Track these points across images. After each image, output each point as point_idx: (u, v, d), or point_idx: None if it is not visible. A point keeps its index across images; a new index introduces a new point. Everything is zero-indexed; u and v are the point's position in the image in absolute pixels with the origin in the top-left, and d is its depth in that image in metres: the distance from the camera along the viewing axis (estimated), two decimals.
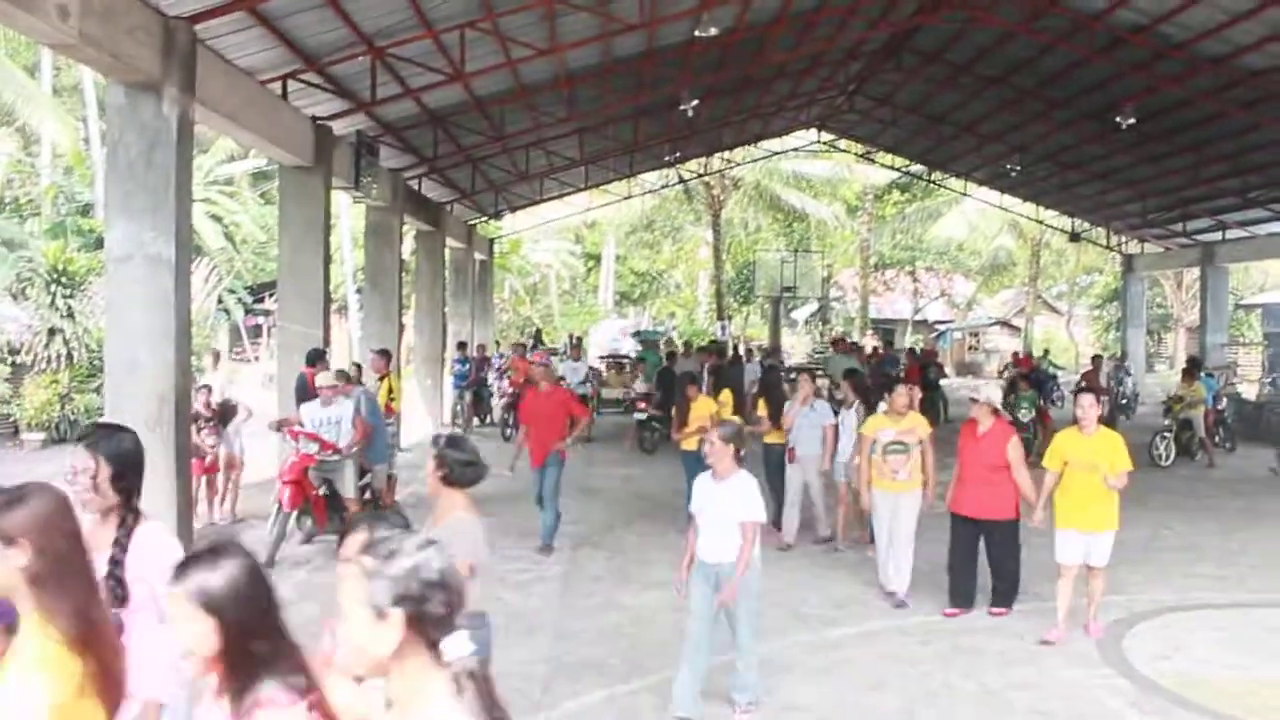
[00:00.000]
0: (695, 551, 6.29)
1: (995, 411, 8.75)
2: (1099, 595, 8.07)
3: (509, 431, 18.91)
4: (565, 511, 11.18)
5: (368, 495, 11.37)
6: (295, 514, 10.54)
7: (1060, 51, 17.76)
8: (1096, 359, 18.42)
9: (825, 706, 6.33)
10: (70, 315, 19.63)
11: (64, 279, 19.79)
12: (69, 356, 19.39)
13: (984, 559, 8.69)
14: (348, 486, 10.75)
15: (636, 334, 34.28)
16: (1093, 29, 16.33)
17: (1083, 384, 16.12)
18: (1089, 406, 8.03)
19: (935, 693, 6.79)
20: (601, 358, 30.66)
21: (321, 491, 10.68)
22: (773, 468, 11.43)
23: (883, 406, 9.50)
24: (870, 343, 36.84)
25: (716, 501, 6.20)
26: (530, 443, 10.88)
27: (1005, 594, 8.60)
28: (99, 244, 18.42)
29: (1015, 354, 30.97)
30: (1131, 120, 18.35)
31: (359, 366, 14.58)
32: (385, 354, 13.97)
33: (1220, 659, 7.48)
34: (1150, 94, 18.27)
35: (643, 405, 18.71)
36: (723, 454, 6.24)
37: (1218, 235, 27.80)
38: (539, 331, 28.67)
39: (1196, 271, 31.12)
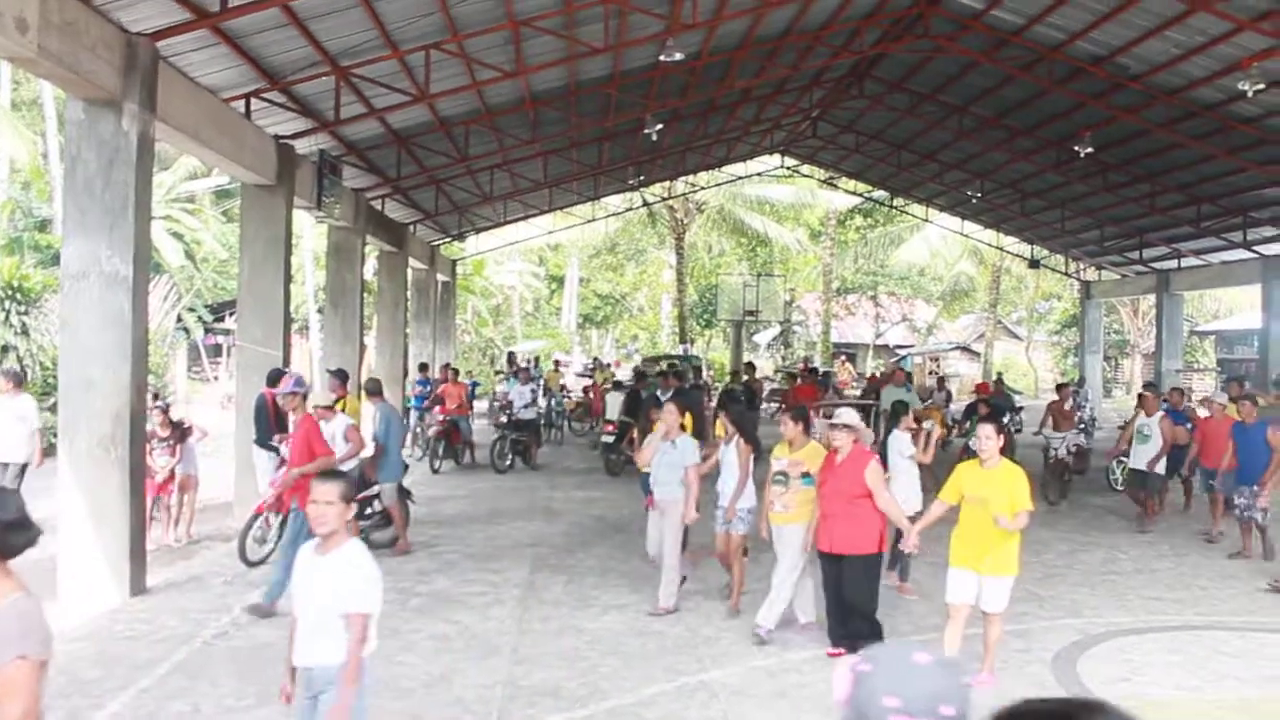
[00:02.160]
0: None
1: (855, 436, 7.98)
2: (994, 644, 7.41)
3: (438, 464, 18.50)
4: (523, 532, 11.13)
5: (368, 510, 11.41)
6: (278, 519, 10.61)
7: (1021, 81, 18.05)
8: (1062, 387, 18.14)
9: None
10: (25, 332, 19.38)
11: (19, 295, 19.53)
12: (23, 374, 19.10)
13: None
14: None
15: (669, 359, 32.26)
16: (1053, 59, 16.60)
17: (1046, 411, 16.41)
18: (986, 438, 7.39)
19: None
20: (589, 373, 30.47)
21: None
22: None
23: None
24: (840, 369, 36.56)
25: None
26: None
27: (853, 632, 7.62)
28: (56, 260, 18.17)
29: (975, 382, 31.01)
30: (1090, 149, 18.66)
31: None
32: (343, 375, 13.87)
33: (1176, 681, 7.53)
34: (1108, 124, 18.58)
35: (610, 429, 18.65)
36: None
37: (1173, 263, 28.24)
38: (512, 355, 28.51)
39: (1153, 298, 31.54)
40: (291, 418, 10.25)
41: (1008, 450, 18.04)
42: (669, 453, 9.38)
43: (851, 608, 7.81)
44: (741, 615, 8.94)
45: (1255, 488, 11.28)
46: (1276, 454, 11.13)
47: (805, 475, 8.26)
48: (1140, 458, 13.60)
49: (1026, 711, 1.88)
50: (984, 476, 7.30)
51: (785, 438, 8.56)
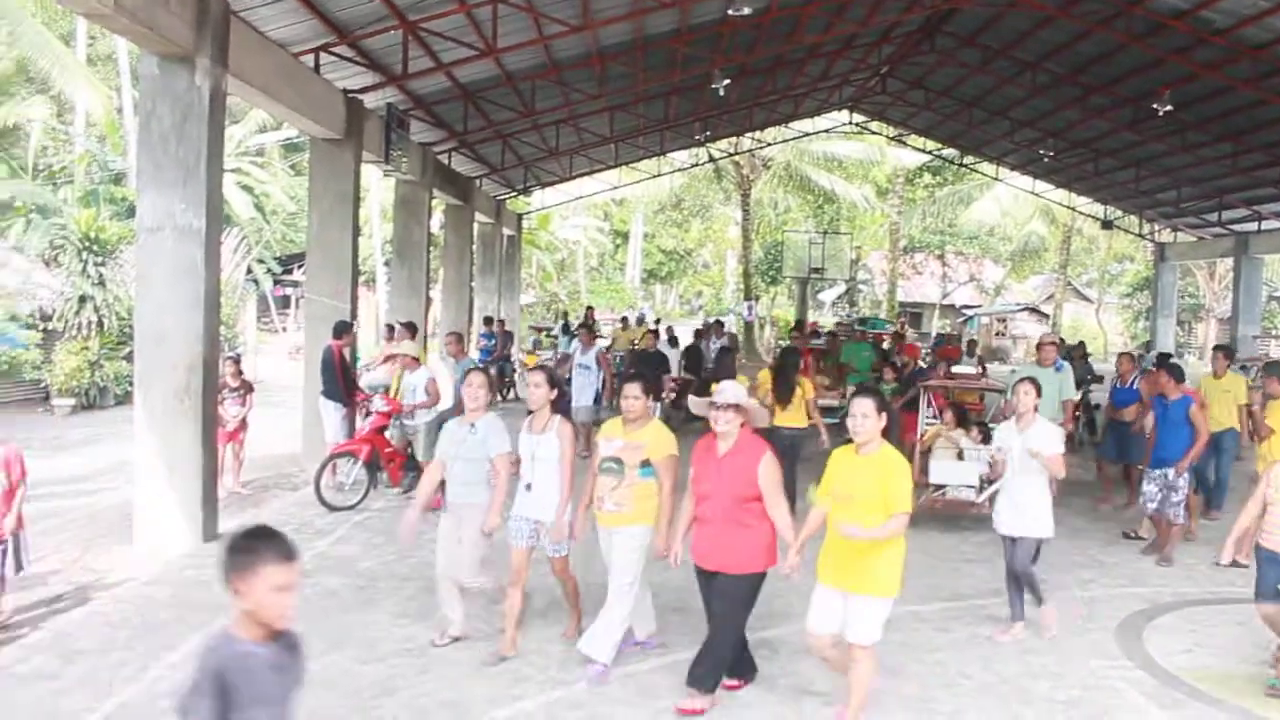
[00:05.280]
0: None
1: (745, 419, 6.17)
2: (859, 690, 5.83)
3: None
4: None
5: None
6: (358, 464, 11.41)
7: (1098, 37, 17.56)
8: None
9: (841, 692, 6.34)
10: (101, 283, 19.82)
11: (95, 247, 19.97)
12: (99, 324, 19.59)
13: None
14: (421, 449, 11.69)
15: (862, 321, 30.31)
16: (1132, 14, 16.14)
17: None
18: (864, 415, 5.67)
19: (952, 681, 6.78)
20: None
21: (404, 451, 11.93)
22: (779, 454, 10.55)
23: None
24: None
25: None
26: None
27: (707, 673, 6.08)
28: (131, 212, 18.52)
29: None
30: (1169, 107, 18.14)
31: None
32: (411, 327, 14.03)
33: (1241, 654, 7.43)
34: (1189, 81, 18.04)
35: (673, 384, 18.65)
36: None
37: (1253, 225, 27.52)
38: (590, 310, 28.53)
39: (1230, 261, 30.76)
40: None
41: (1090, 431, 16.07)
42: (467, 439, 6.98)
43: (711, 638, 6.14)
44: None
45: (1169, 473, 9.92)
46: (1200, 436, 9.99)
47: (645, 465, 6.48)
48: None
49: None
50: (856, 467, 5.75)
51: (626, 413, 6.62)
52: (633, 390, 6.60)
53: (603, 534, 6.71)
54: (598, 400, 14.74)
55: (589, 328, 15.59)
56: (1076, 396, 12.03)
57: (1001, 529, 7.72)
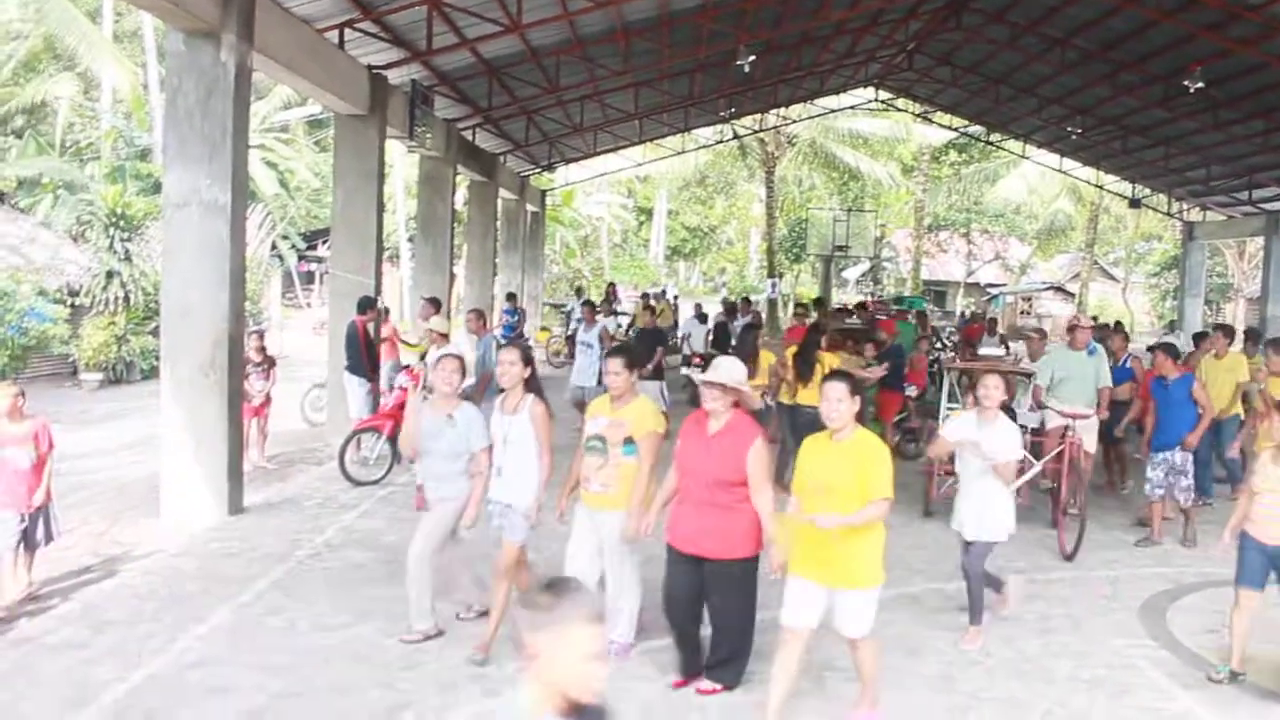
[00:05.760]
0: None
1: (737, 399, 5.91)
2: (869, 676, 5.73)
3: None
4: None
5: None
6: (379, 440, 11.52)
7: (1128, 12, 17.33)
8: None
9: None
10: (128, 258, 19.96)
11: (122, 222, 20.09)
12: (126, 299, 19.75)
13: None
14: None
15: (899, 300, 29.58)
16: None
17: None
18: (836, 399, 5.41)
19: (974, 659, 6.79)
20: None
21: None
22: (801, 431, 9.78)
23: None
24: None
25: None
26: None
27: (724, 664, 6.04)
28: (157, 188, 18.62)
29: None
30: (1200, 84, 17.86)
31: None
32: (435, 302, 14.06)
33: (1265, 635, 7.39)
34: (1221, 58, 17.78)
35: (698, 360, 18.67)
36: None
37: None
38: (612, 286, 28.56)
39: (1260, 241, 30.42)
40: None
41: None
42: (445, 432, 6.60)
43: (717, 630, 6.03)
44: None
45: (1173, 456, 9.69)
46: (1205, 414, 9.76)
47: (628, 442, 6.22)
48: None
49: None
50: (832, 454, 5.49)
51: (610, 390, 6.41)
52: (614, 365, 6.30)
53: (586, 515, 6.39)
54: (601, 381, 14.56)
55: (591, 305, 15.17)
56: (1112, 384, 10.74)
57: (961, 531, 7.09)
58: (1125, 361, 12.17)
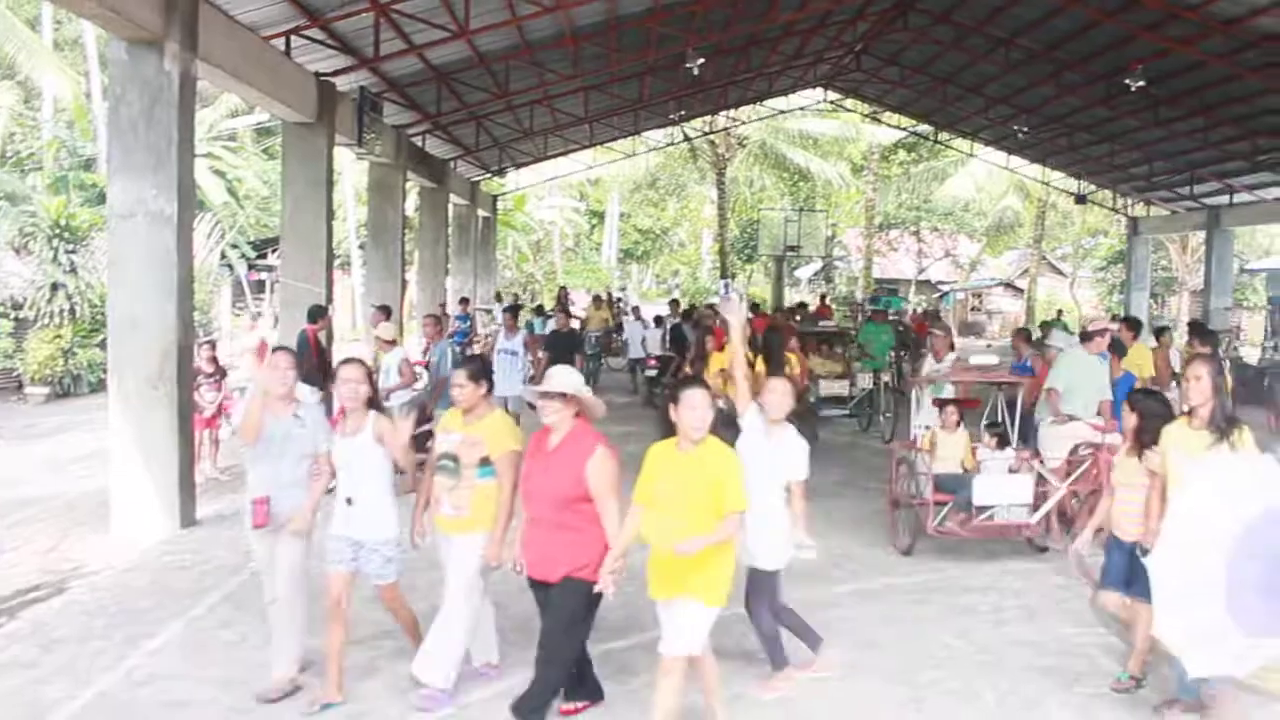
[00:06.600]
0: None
1: (577, 409, 5.39)
2: (714, 696, 5.39)
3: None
4: None
5: (428, 445, 11.69)
6: None
7: (1071, 13, 17.60)
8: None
9: (823, 665, 6.39)
10: (73, 270, 19.65)
11: (66, 234, 19.78)
12: (72, 311, 19.43)
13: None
14: None
15: (874, 300, 28.84)
16: None
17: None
18: (692, 406, 5.02)
19: (932, 652, 6.85)
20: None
21: None
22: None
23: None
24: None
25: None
26: None
27: (528, 700, 5.33)
28: (101, 198, 18.38)
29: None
30: (1141, 83, 18.17)
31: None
32: (385, 310, 13.99)
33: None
34: (1161, 56, 18.11)
35: (652, 363, 18.74)
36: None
37: (1224, 199, 27.68)
38: (564, 290, 28.31)
39: (1202, 235, 30.97)
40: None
41: None
42: (293, 433, 5.99)
43: (540, 649, 5.38)
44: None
45: None
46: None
47: (485, 463, 5.74)
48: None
49: None
50: (681, 464, 5.09)
51: (458, 402, 5.88)
52: (458, 378, 5.83)
53: (442, 541, 5.95)
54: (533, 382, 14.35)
55: (512, 311, 15.03)
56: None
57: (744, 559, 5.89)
58: (1026, 359, 12.25)
